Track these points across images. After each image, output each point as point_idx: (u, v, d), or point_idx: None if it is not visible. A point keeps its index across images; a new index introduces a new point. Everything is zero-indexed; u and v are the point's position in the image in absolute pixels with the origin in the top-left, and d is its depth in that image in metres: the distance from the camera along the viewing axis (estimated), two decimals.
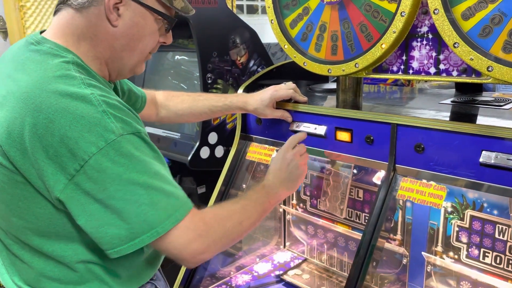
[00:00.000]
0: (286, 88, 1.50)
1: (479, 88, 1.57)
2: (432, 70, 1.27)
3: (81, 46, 0.98)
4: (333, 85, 1.75)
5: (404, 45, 1.31)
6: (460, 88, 1.60)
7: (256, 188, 1.22)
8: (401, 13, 1.24)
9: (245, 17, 2.42)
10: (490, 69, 1.10)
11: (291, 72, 1.81)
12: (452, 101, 1.42)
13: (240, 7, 5.21)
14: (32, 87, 0.87)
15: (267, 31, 2.57)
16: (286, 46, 1.57)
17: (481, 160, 1.08)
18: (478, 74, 1.18)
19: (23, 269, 0.99)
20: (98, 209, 0.86)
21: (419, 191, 1.22)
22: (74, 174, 0.84)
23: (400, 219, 1.47)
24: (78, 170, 0.84)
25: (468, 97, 1.45)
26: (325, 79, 1.94)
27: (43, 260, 0.96)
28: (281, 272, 1.72)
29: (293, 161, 1.28)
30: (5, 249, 1.02)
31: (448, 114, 1.27)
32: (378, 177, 1.40)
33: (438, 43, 1.24)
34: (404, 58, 1.32)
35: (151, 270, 1.10)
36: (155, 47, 1.07)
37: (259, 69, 2.37)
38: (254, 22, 2.35)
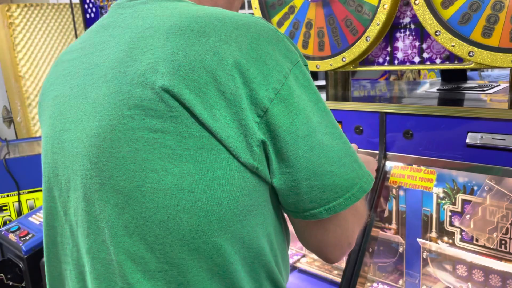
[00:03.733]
0: None
1: (463, 77, 1.62)
2: (417, 59, 1.31)
3: None
4: (322, 82, 1.79)
5: (388, 37, 1.35)
6: (446, 77, 1.65)
7: None
8: (383, 5, 1.28)
9: None
10: (471, 54, 1.14)
11: None
12: (437, 89, 1.46)
13: None
14: (182, 16, 0.68)
15: None
16: None
17: (467, 141, 1.12)
18: (461, 60, 1.22)
19: None
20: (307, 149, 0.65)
21: (410, 176, 1.25)
22: (267, 107, 0.63)
23: (394, 208, 1.50)
24: (273, 99, 0.64)
25: (453, 85, 1.49)
26: (313, 77, 1.98)
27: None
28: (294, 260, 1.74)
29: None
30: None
31: (434, 100, 1.31)
32: None
33: (421, 33, 1.28)
34: (389, 49, 1.36)
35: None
36: None
37: None
38: None
